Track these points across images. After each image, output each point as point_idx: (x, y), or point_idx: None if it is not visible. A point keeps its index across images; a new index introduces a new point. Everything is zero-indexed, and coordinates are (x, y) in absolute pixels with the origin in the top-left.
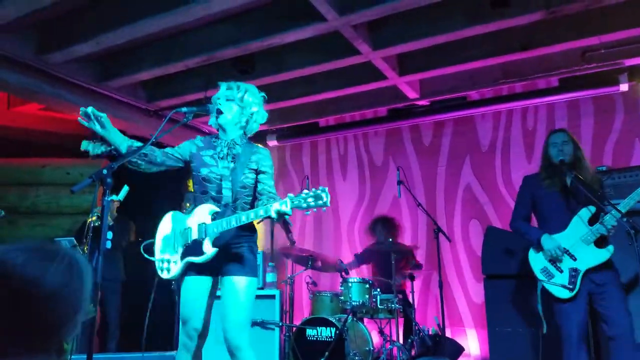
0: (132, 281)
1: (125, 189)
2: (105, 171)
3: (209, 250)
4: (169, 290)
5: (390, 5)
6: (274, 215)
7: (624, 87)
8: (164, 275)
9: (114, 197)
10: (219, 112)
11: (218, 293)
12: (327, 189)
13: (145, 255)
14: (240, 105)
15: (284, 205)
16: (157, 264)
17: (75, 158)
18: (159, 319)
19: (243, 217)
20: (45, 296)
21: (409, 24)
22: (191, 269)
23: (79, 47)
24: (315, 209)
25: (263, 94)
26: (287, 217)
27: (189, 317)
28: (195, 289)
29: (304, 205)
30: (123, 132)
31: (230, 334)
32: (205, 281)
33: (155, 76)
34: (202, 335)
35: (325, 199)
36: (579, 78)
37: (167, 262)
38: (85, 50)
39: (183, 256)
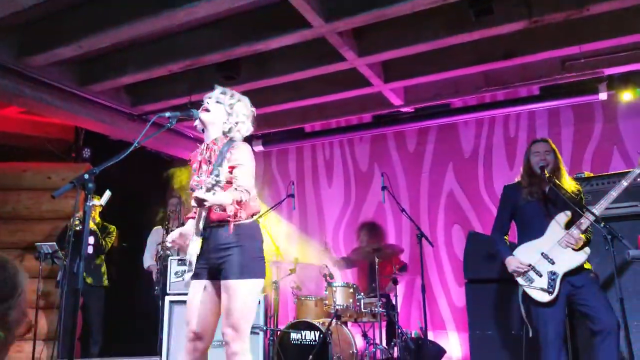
0: (115, 286)
1: (108, 193)
2: (86, 176)
3: (192, 251)
4: (153, 296)
5: (375, 13)
6: (193, 203)
7: (603, 96)
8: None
9: (95, 202)
10: (205, 110)
11: None
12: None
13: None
14: (227, 112)
15: (200, 192)
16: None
17: (57, 162)
18: (143, 325)
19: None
20: None
21: (394, 32)
22: (195, 273)
23: (61, 50)
24: (217, 185)
25: (254, 110)
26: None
27: (189, 319)
28: (194, 292)
29: (210, 185)
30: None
31: (225, 338)
32: (204, 285)
33: (139, 80)
34: (202, 338)
35: (219, 176)
36: (560, 87)
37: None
38: (67, 53)
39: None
